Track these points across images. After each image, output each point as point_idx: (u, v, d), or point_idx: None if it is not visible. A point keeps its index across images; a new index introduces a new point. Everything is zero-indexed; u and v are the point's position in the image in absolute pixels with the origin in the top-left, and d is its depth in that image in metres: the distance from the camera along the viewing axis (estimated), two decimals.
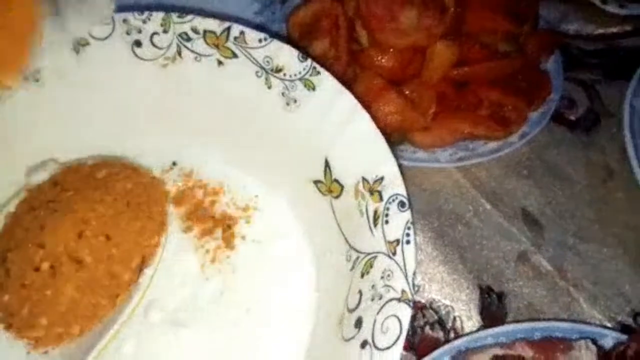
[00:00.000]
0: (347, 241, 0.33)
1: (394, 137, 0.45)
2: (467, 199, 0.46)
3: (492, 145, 0.46)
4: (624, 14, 0.56)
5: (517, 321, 0.39)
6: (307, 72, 0.35)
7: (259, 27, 0.52)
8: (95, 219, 0.32)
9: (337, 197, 0.34)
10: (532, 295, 0.42)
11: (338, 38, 0.46)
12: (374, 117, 0.43)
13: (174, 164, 0.42)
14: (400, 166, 0.32)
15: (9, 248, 0.32)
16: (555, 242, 0.44)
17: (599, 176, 0.48)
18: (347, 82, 0.45)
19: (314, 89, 0.35)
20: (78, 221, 0.32)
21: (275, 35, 0.36)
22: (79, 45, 0.37)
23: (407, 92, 0.45)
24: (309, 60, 0.35)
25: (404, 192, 0.30)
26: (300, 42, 0.48)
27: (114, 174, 0.36)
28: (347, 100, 0.34)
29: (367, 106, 0.43)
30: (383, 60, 0.44)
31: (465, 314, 0.40)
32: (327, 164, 0.35)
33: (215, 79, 0.38)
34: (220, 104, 0.39)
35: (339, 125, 0.34)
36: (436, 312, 0.40)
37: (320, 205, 0.36)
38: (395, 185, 0.30)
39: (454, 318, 0.40)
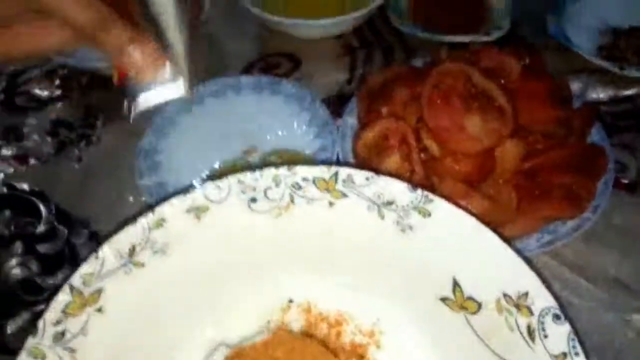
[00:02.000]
0: (499, 356, 0.35)
1: None
2: (562, 279, 0.49)
3: (571, 224, 0.49)
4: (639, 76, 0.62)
5: None
6: (420, 200, 0.38)
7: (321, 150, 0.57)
8: None
9: (474, 313, 0.37)
10: None
11: (410, 153, 0.49)
12: None
13: (291, 301, 0.44)
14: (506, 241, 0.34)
15: None
16: None
17: None
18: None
19: (429, 215, 0.38)
20: None
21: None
22: (200, 212, 0.40)
23: (486, 191, 0.48)
24: (420, 190, 0.38)
25: (556, 304, 0.32)
26: (372, 161, 0.52)
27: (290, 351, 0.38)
28: (466, 221, 0.37)
29: None
30: (459, 167, 0.48)
31: None
32: (455, 283, 0.37)
33: (328, 219, 0.41)
34: (333, 239, 0.41)
35: (462, 246, 0.37)
36: None
37: (453, 322, 0.38)
38: (543, 299, 0.33)
39: None
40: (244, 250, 0.42)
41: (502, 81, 0.50)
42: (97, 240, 0.55)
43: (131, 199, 0.57)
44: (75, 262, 0.54)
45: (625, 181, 0.55)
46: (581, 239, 0.50)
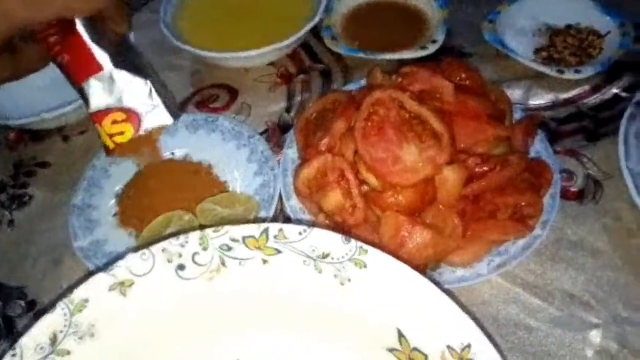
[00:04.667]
0: None
1: (431, 266, 0.47)
2: (517, 301, 0.47)
3: (522, 243, 0.48)
4: (579, 78, 0.61)
5: None
6: (355, 252, 0.36)
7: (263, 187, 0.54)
8: None
9: None
10: None
11: (350, 189, 0.48)
12: (409, 256, 0.45)
13: None
14: (446, 292, 0.33)
15: None
16: (611, 318, 0.46)
17: (622, 238, 0.50)
18: (372, 227, 0.48)
19: (365, 267, 0.36)
20: None
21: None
22: (125, 287, 0.37)
23: (429, 221, 0.47)
24: (354, 242, 0.36)
25: (498, 357, 0.31)
26: (313, 198, 0.50)
27: None
28: (402, 271, 0.35)
29: (399, 246, 0.45)
30: (400, 199, 0.46)
31: None
32: (400, 334, 0.36)
33: (264, 277, 0.38)
34: (273, 296, 0.39)
35: (402, 296, 0.35)
36: None
37: None
38: (486, 351, 0.31)
39: None
40: (180, 319, 0.39)
41: (437, 104, 0.48)
42: (35, 310, 0.52)
43: (70, 262, 0.54)
44: (12, 336, 0.51)
45: (574, 190, 0.54)
46: (534, 257, 0.49)
